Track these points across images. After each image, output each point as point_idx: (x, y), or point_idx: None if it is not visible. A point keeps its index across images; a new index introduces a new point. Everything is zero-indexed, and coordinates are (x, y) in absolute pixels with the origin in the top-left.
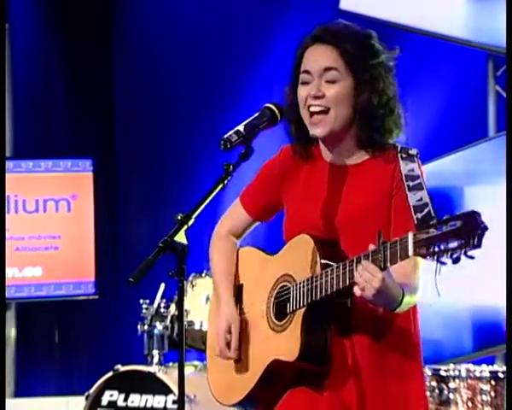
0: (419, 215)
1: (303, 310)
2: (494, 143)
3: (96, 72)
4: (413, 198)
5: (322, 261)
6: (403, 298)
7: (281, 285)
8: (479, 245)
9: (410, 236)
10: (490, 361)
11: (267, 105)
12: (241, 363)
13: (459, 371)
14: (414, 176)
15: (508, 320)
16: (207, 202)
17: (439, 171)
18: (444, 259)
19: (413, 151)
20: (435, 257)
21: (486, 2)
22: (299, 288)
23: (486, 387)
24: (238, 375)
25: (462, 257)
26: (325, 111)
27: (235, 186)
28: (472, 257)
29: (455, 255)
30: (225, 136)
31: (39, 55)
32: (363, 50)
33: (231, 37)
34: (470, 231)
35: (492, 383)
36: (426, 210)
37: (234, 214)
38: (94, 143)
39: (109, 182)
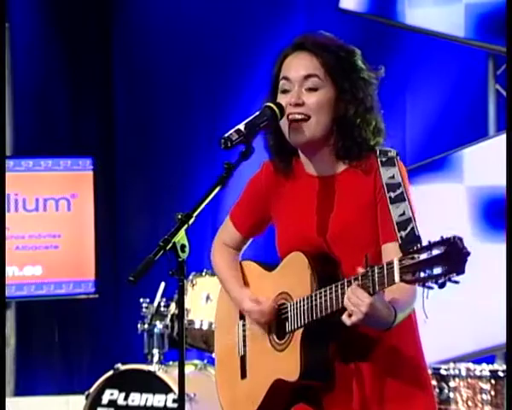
0: (403, 234)
1: (301, 330)
2: (494, 142)
3: (96, 71)
4: (396, 212)
5: (317, 279)
6: (395, 318)
7: (279, 303)
8: (462, 271)
9: (396, 262)
10: (490, 360)
11: (268, 104)
12: (246, 380)
13: (459, 370)
14: (395, 184)
15: (508, 320)
16: (208, 201)
17: (438, 170)
18: (430, 284)
19: (392, 153)
20: (421, 283)
21: (487, 1)
22: (296, 308)
23: (486, 386)
24: (244, 392)
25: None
26: (305, 119)
27: (236, 185)
28: (457, 282)
29: (440, 281)
30: (226, 135)
31: (39, 54)
32: (344, 62)
33: (232, 36)
34: (453, 257)
35: (492, 382)
36: (409, 227)
37: (226, 233)
38: (94, 141)
39: (109, 181)
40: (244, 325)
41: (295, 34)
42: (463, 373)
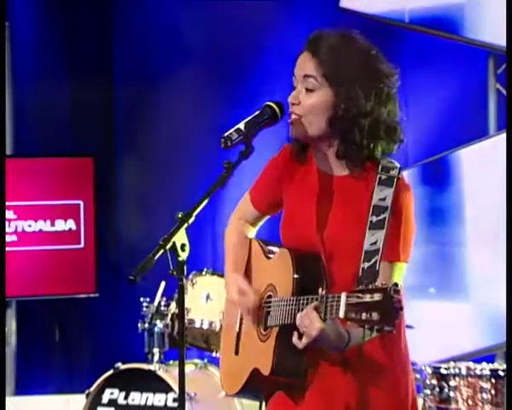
0: (366, 265)
1: (277, 329)
2: (494, 142)
3: (96, 70)
4: (369, 240)
5: (296, 276)
6: (347, 345)
7: (267, 294)
8: (392, 325)
9: (343, 297)
10: (490, 359)
11: (268, 103)
12: (237, 357)
13: (459, 369)
14: (382, 208)
15: (508, 319)
16: (208, 200)
17: (439, 169)
18: (369, 326)
19: (394, 171)
20: (361, 325)
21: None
22: (275, 306)
23: (487, 385)
24: (235, 368)
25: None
26: (299, 118)
27: (236, 184)
28: (391, 331)
29: (376, 327)
30: (226, 134)
31: (39, 54)
32: (344, 65)
33: (233, 35)
34: (386, 308)
35: (493, 381)
36: (373, 260)
37: (243, 208)
38: (94, 141)
39: (109, 180)
40: None
41: (297, 33)
42: (464, 372)
